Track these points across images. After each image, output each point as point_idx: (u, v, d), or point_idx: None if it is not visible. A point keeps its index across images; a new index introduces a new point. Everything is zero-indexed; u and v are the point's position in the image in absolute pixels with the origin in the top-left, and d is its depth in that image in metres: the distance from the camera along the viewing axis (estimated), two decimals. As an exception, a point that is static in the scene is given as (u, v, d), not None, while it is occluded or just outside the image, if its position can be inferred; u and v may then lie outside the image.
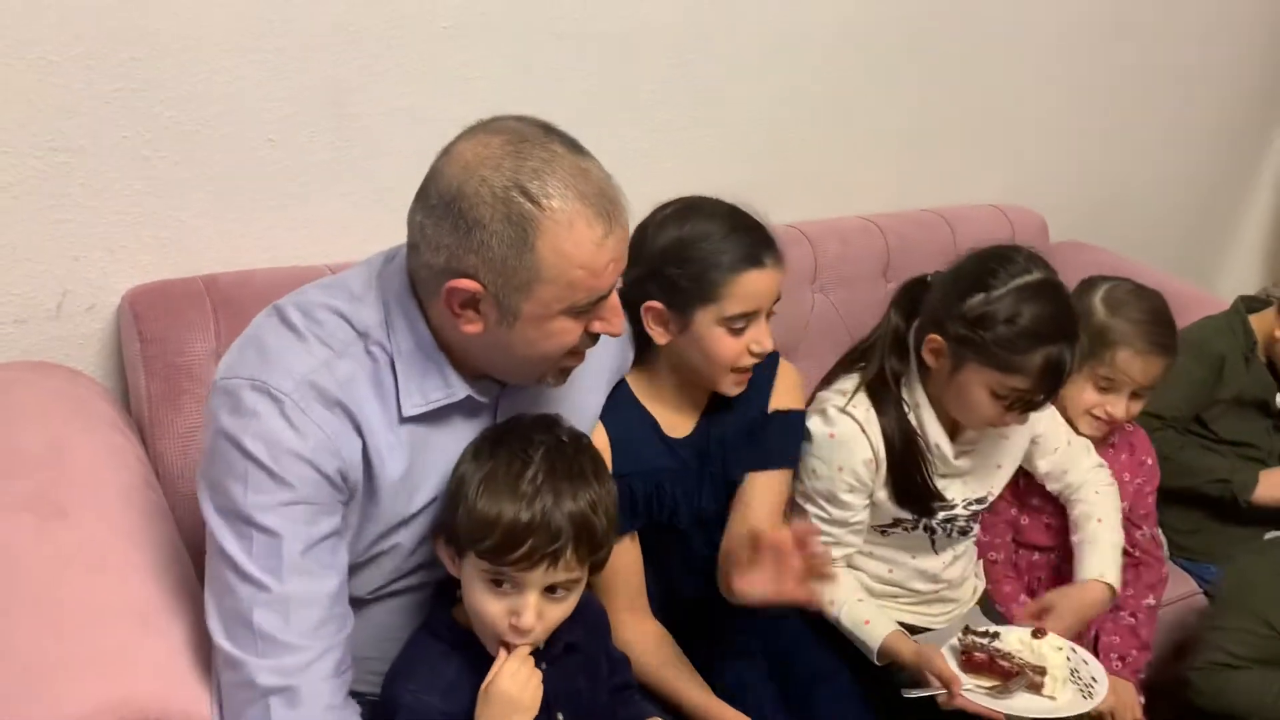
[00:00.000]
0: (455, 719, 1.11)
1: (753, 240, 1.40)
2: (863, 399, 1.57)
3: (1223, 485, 2.04)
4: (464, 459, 1.16)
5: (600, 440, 1.43)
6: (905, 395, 1.57)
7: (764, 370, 1.51)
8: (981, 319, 1.46)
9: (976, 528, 1.70)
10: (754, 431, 1.52)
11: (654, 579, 1.52)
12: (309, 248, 1.73)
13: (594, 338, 1.20)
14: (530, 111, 1.15)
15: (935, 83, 2.38)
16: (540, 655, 1.18)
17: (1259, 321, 2.16)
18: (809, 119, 2.23)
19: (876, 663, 1.52)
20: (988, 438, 1.62)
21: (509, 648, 1.12)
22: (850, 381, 1.60)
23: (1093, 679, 1.48)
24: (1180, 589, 2.03)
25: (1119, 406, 1.74)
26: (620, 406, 1.47)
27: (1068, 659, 1.48)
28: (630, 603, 1.47)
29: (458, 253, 1.08)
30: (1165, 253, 2.87)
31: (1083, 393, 1.74)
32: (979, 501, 1.63)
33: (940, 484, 1.59)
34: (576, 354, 1.20)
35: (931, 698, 1.44)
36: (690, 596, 1.56)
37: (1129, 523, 1.85)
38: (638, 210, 1.45)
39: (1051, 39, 2.50)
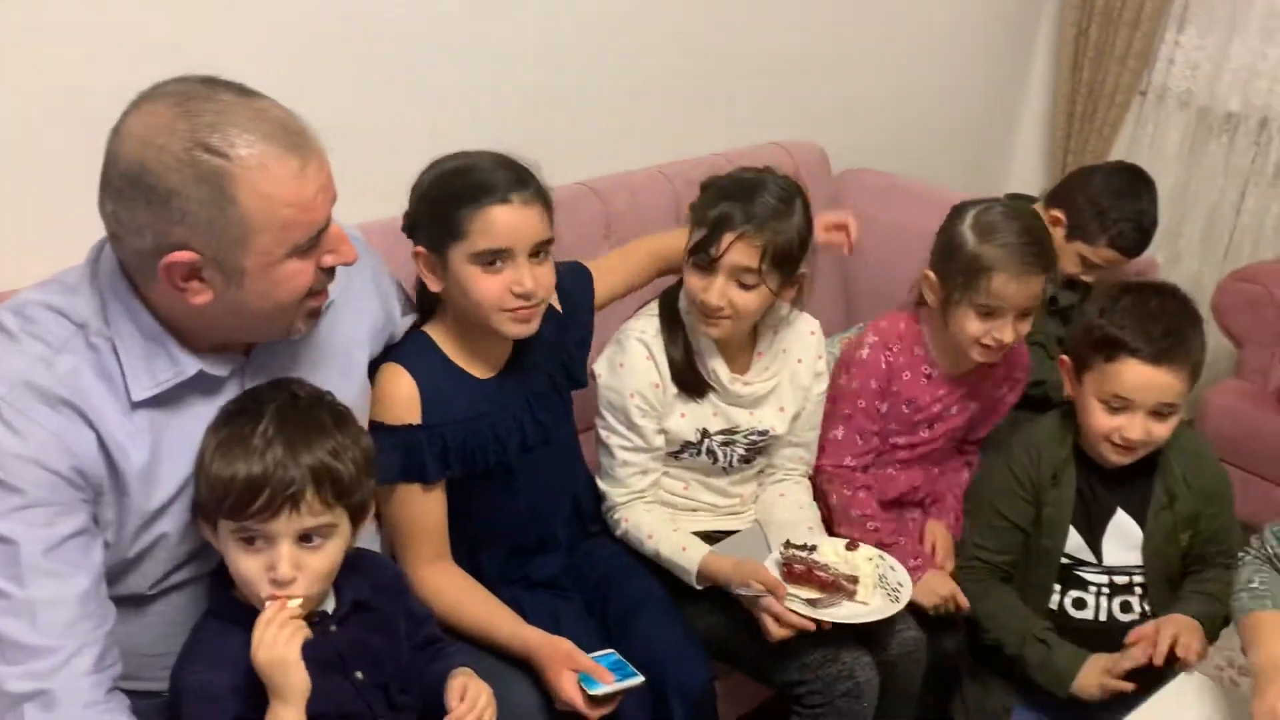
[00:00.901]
0: (242, 690, 1.10)
1: (504, 178, 1.42)
2: (653, 324, 1.64)
3: (1039, 386, 2.15)
4: (205, 435, 1.16)
5: (406, 391, 1.44)
6: (688, 322, 1.64)
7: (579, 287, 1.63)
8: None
9: (761, 460, 1.77)
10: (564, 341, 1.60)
11: (474, 525, 1.54)
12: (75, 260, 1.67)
13: (330, 272, 1.20)
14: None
15: (707, 29, 2.43)
16: (328, 617, 1.19)
17: (1027, 217, 2.29)
18: (587, 77, 2.26)
19: (697, 586, 1.57)
20: (773, 379, 1.69)
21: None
22: (648, 308, 1.68)
23: (899, 584, 1.59)
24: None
25: (1006, 331, 1.70)
26: (425, 358, 1.48)
27: (876, 567, 1.59)
28: (434, 554, 1.49)
29: (162, 228, 1.06)
30: (948, 168, 3.03)
31: (967, 323, 1.71)
32: (760, 434, 1.71)
33: (722, 409, 1.66)
34: (316, 294, 1.20)
35: (756, 596, 1.51)
36: (520, 537, 1.59)
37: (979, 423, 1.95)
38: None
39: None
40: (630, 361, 1.62)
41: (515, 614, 1.48)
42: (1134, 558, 1.67)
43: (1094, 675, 1.58)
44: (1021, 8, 3.22)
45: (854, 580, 1.55)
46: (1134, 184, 2.20)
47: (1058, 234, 2.22)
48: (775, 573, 1.56)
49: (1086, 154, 3.15)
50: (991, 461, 1.80)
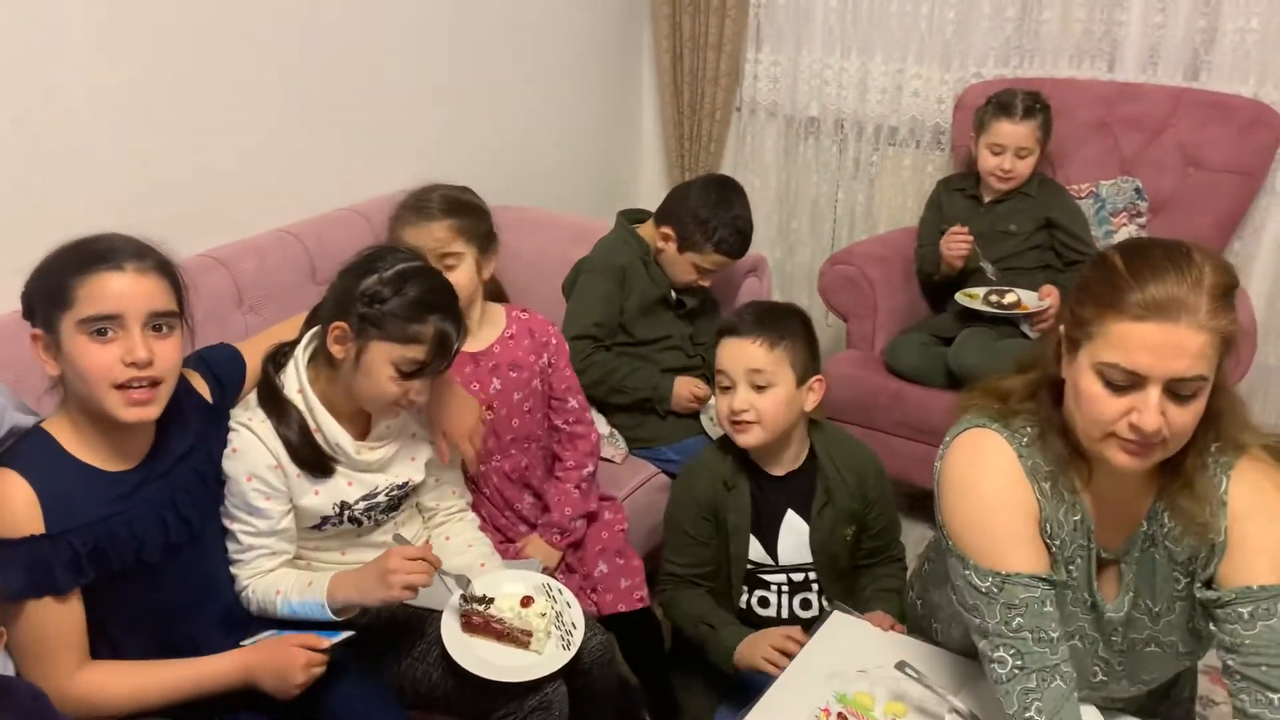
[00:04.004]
0: None
1: (122, 246, 1.37)
2: (257, 413, 1.60)
3: (647, 401, 2.36)
4: None
5: (21, 497, 1.33)
6: (301, 403, 1.61)
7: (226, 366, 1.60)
8: (376, 295, 1.56)
9: (407, 504, 1.78)
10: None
11: (115, 628, 1.45)
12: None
13: None
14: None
15: (319, 89, 2.42)
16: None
17: (645, 231, 2.46)
18: (198, 146, 2.19)
19: (335, 618, 1.55)
20: (399, 436, 1.70)
21: None
22: (246, 400, 1.64)
23: (573, 624, 1.66)
24: (641, 474, 2.33)
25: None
26: (40, 457, 1.38)
27: (553, 608, 1.67)
28: (80, 659, 1.40)
29: None
30: (584, 196, 3.21)
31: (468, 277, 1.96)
32: (400, 488, 1.72)
33: (356, 477, 1.65)
34: None
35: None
36: (167, 637, 1.50)
37: (558, 400, 2.08)
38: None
39: (414, 27, 2.65)
40: (243, 446, 1.58)
41: (186, 660, 1.46)
42: (806, 555, 1.81)
43: (751, 649, 1.67)
44: (622, 39, 3.46)
45: (528, 634, 1.62)
46: (726, 193, 2.41)
47: (670, 249, 2.39)
48: (455, 620, 1.61)
49: (700, 168, 3.44)
50: (675, 487, 1.93)
